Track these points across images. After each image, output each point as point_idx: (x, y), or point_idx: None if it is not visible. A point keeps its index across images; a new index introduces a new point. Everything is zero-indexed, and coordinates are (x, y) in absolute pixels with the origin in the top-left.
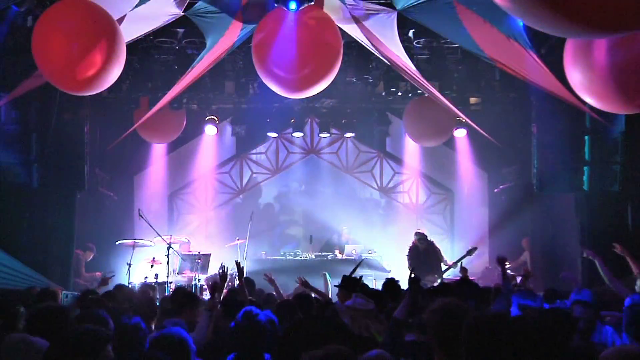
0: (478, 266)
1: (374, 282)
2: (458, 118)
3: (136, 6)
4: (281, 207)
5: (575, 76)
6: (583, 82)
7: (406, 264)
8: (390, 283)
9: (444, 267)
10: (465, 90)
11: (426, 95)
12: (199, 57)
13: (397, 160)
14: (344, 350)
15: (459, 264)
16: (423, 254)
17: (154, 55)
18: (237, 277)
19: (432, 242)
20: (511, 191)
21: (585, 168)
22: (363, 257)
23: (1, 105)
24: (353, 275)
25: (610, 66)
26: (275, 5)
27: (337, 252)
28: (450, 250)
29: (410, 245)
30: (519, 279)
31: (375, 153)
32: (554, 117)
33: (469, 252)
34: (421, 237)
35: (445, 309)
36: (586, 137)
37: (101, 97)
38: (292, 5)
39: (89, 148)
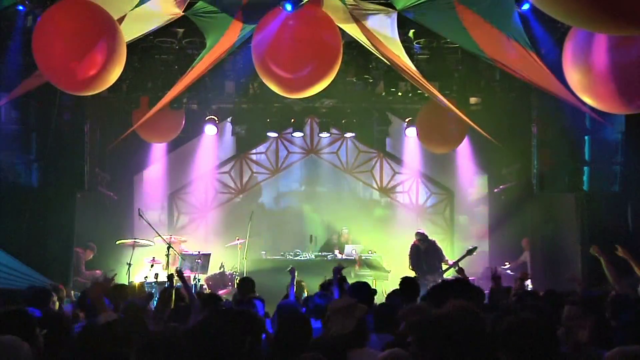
0: (478, 266)
1: (374, 282)
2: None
3: (136, 6)
4: (281, 207)
5: (575, 76)
6: (583, 83)
7: (406, 263)
8: (409, 282)
9: (444, 267)
10: (465, 90)
11: (426, 95)
12: (199, 57)
13: (397, 160)
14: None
15: (459, 263)
16: (424, 254)
17: (154, 55)
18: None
19: (434, 241)
20: (511, 191)
21: (586, 168)
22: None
23: (1, 105)
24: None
25: (610, 66)
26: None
27: (337, 252)
28: (450, 250)
29: (412, 244)
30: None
31: (375, 153)
32: (554, 117)
33: (469, 252)
34: (422, 237)
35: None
36: (586, 137)
37: (101, 97)
38: (288, 7)
39: (89, 148)
